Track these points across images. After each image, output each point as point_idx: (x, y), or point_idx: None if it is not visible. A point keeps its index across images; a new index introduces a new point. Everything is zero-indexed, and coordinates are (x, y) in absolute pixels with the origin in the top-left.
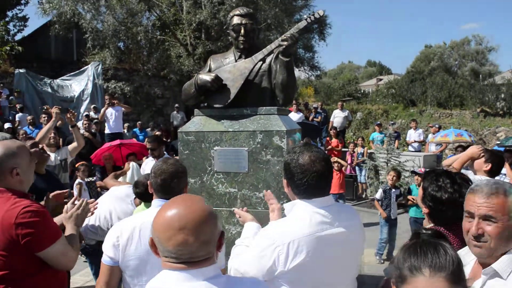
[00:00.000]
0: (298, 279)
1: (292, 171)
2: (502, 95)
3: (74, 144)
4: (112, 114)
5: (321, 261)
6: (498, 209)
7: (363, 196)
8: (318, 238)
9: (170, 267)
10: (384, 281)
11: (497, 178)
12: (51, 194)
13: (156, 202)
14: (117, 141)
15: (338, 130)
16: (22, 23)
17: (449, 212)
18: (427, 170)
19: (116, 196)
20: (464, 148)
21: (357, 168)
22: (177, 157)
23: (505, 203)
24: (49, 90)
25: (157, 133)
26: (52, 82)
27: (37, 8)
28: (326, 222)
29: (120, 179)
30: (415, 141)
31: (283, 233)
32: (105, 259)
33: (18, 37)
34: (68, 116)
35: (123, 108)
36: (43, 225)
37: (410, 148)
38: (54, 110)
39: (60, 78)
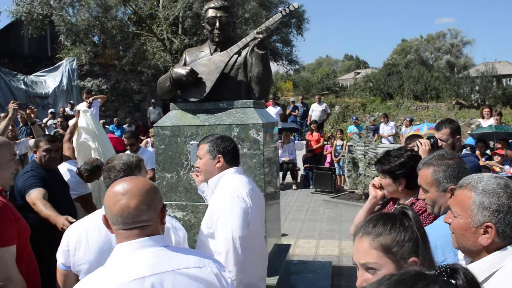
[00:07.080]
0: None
1: (223, 145)
2: (477, 88)
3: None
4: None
5: (258, 211)
6: None
7: (342, 188)
8: (253, 193)
9: (122, 237)
10: None
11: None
12: None
13: None
14: None
15: (318, 123)
16: None
17: None
18: None
19: None
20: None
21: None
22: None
23: None
24: (23, 86)
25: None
26: (25, 78)
27: (5, 10)
28: (250, 182)
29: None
30: (385, 135)
31: (236, 189)
32: (58, 264)
33: None
34: (28, 112)
35: (99, 100)
36: None
37: (384, 141)
38: (11, 106)
39: (34, 74)
